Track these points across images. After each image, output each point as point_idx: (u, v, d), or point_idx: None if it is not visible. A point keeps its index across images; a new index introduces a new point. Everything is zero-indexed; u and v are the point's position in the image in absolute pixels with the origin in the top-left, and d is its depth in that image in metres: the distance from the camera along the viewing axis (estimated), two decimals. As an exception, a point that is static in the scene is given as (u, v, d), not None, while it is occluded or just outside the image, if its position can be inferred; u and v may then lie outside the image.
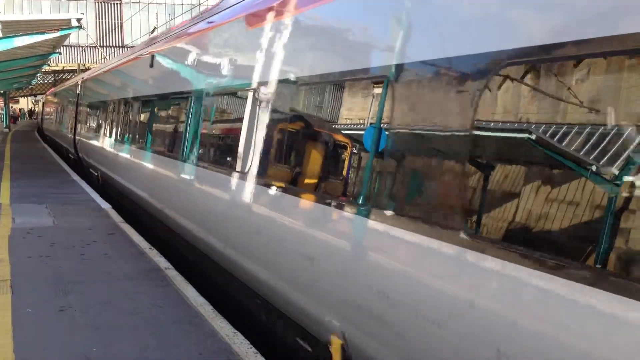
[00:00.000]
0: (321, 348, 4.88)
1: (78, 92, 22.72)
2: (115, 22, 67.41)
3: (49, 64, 45.91)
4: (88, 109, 19.88)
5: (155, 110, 10.99)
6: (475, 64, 3.39)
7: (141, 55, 12.85)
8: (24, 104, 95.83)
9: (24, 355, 5.42)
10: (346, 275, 4.38)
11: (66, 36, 23.96)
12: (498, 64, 3.25)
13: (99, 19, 68.17)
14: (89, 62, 57.41)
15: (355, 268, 4.28)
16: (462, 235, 3.35)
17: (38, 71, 45.48)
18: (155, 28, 32.11)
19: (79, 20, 21.85)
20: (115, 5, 69.30)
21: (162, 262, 8.79)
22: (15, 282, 7.61)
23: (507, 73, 3.23)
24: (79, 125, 21.63)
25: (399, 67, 4.02)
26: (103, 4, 68.84)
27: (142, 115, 12.00)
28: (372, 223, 4.14)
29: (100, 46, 56.03)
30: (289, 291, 5.43)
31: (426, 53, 3.80)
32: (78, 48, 61.90)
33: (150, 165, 10.80)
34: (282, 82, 5.80)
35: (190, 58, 8.95)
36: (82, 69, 45.46)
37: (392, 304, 3.83)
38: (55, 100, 35.52)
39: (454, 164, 3.53)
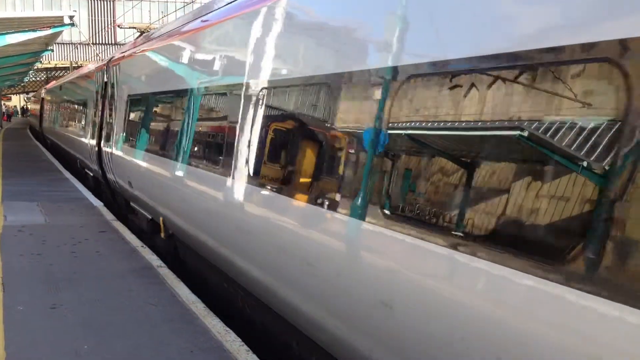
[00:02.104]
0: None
1: (105, 79, 15.15)
2: (108, 20, 67.22)
3: (41, 62, 45.75)
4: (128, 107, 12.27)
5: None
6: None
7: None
8: (16, 101, 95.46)
9: (15, 353, 5.40)
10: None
11: (58, 34, 23.89)
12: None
13: (92, 16, 67.97)
14: (82, 59, 57.23)
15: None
16: None
17: (30, 69, 45.35)
18: (148, 26, 32.00)
19: (71, 17, 21.77)
20: (108, 3, 69.12)
21: (154, 260, 8.78)
22: (6, 279, 7.59)
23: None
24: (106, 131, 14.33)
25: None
26: (96, 1, 68.65)
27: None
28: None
29: (92, 44, 55.81)
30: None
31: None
32: (71, 45, 61.71)
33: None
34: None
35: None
36: (74, 67, 45.31)
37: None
38: (52, 100, 29.82)
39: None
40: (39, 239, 9.85)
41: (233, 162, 6.34)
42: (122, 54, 13.84)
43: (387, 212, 3.92)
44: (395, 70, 4.00)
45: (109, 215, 12.25)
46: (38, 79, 61.98)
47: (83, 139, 17.68)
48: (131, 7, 57.42)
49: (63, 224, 11.20)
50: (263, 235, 5.65)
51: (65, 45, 62.28)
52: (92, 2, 68.43)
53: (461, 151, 3.53)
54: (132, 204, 11.83)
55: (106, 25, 65.37)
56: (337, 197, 4.44)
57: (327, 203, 4.55)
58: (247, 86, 6.26)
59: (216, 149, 7.02)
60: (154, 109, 10.39)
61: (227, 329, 6.11)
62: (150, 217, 10.25)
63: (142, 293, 7.21)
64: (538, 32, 3.03)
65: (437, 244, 3.46)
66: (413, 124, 3.84)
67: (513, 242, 3.02)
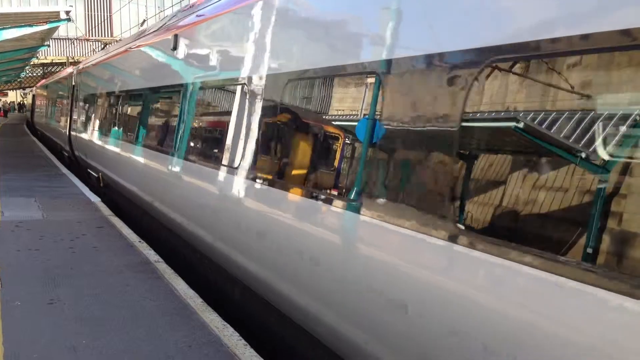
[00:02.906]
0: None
1: (73, 83, 21.01)
2: (104, 15, 67.04)
3: (37, 57, 45.63)
4: (89, 102, 17.40)
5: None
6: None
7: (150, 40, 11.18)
8: (13, 97, 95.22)
9: (13, 348, 5.42)
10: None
11: (55, 29, 23.81)
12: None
13: (88, 11, 67.78)
14: (78, 54, 57.10)
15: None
16: None
17: (27, 64, 45.25)
18: (145, 20, 31.91)
19: (67, 12, 21.70)
20: (105, -2, 68.93)
21: (151, 255, 8.79)
22: (4, 275, 7.59)
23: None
24: (76, 121, 19.62)
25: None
26: (92, -4, 68.44)
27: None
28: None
29: (89, 39, 55.70)
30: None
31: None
32: (67, 41, 61.55)
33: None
34: None
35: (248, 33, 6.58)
36: (71, 62, 45.19)
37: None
38: (46, 93, 34.54)
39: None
40: (37, 235, 9.85)
41: (129, 135, 11.84)
42: (84, 65, 20.05)
43: None
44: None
45: (106, 211, 12.25)
46: (35, 74, 61.84)
47: (60, 128, 24.02)
48: (127, 1, 57.28)
49: (60, 219, 11.20)
50: (152, 179, 9.88)
51: (61, 41, 62.12)
52: (89, -3, 68.25)
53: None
54: (88, 170, 17.42)
55: (103, 20, 65.19)
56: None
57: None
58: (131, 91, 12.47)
59: (125, 129, 12.52)
60: (96, 104, 16.15)
61: (225, 323, 6.12)
62: (96, 175, 15.86)
63: (139, 288, 7.23)
64: None
65: None
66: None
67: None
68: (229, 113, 6.81)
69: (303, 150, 5.23)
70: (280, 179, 5.43)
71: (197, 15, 8.73)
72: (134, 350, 5.43)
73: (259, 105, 6.05)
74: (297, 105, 5.46)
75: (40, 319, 6.16)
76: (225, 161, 6.70)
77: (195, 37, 8.40)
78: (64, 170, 19.44)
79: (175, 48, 9.12)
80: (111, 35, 64.85)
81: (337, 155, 4.83)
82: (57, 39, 58.44)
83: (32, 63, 47.89)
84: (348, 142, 4.65)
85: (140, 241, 9.62)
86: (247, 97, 6.31)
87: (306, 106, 5.32)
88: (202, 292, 7.25)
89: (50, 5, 54.34)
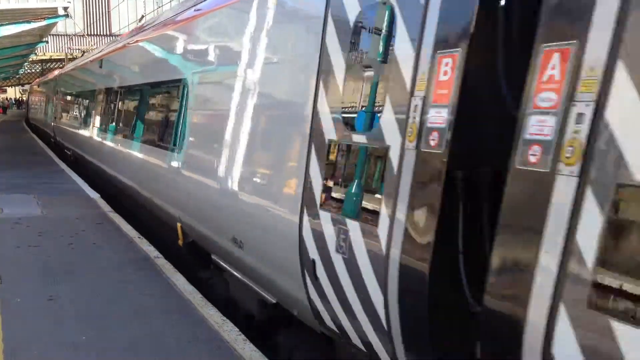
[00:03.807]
0: None
1: (55, 85, 28.72)
2: (102, 10, 66.90)
3: (36, 53, 45.54)
4: (62, 99, 25.40)
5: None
6: None
7: (87, 61, 19.73)
8: (12, 93, 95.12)
9: (13, 344, 5.43)
10: None
11: (53, 25, 23.79)
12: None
13: (86, 7, 67.62)
14: (77, 50, 57.00)
15: None
16: None
17: (25, 60, 45.15)
18: (143, 16, 31.83)
19: (65, 8, 21.68)
20: (103, -6, 68.75)
21: (151, 251, 8.80)
22: (3, 272, 7.60)
23: None
24: (56, 113, 26.78)
25: None
26: (90, -8, 68.27)
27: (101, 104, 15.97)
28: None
29: (87, 35, 55.54)
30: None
31: None
32: (65, 37, 61.43)
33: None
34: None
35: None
36: (69, 58, 45.11)
37: None
38: (37, 91, 42.05)
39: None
40: (36, 231, 9.85)
41: (85, 123, 17.60)
42: (62, 71, 28.42)
43: None
44: None
45: (105, 207, 12.26)
46: (33, 70, 61.71)
47: (48, 120, 30.12)
48: (126, -3, 57.17)
49: (60, 216, 11.20)
50: (94, 149, 15.68)
51: (60, 37, 61.93)
52: (87, -8, 68.07)
53: None
54: (64, 149, 22.86)
55: (101, 16, 65.08)
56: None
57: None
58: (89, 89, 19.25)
59: (82, 119, 18.33)
60: (68, 102, 23.33)
61: (224, 318, 6.13)
62: (69, 153, 21.52)
63: (139, 284, 7.23)
64: None
65: None
66: None
67: None
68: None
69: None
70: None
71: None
72: (134, 346, 5.44)
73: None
74: None
75: (39, 315, 6.16)
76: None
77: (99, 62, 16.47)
78: (63, 166, 19.44)
79: (100, 67, 16.06)
80: (109, 32, 64.73)
81: None
82: (55, 35, 58.29)
83: (30, 59, 47.79)
84: None
85: (139, 237, 9.63)
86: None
87: None
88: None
89: (48, 1, 54.21)
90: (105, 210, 11.89)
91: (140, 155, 10.44)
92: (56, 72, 30.50)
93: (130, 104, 12.24)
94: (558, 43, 2.71)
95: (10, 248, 8.76)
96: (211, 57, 7.36)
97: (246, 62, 6.10)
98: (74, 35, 58.03)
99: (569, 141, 2.59)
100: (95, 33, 63.90)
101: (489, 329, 3.03)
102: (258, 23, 5.89)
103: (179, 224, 8.02)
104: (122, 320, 6.05)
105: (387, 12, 3.88)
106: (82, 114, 18.57)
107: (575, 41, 2.63)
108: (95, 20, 64.86)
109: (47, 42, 35.37)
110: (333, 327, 4.58)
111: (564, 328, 2.59)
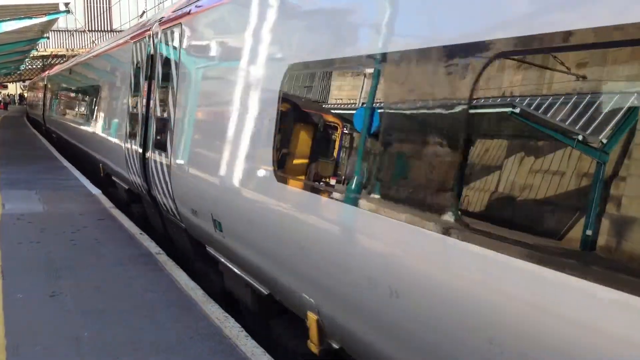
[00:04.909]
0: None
1: (45, 83, 35.18)
2: (103, 6, 66.86)
3: (37, 49, 45.52)
4: (49, 95, 32.11)
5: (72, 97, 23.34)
6: None
7: (63, 67, 27.75)
8: (13, 89, 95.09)
9: (16, 340, 5.44)
10: None
11: (54, 21, 23.76)
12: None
13: (87, 3, 67.57)
14: (78, 46, 56.96)
15: None
16: None
17: (26, 56, 45.12)
18: (144, 12, 31.80)
19: (67, 4, 21.65)
20: (104, -11, 68.67)
21: (152, 247, 8.81)
22: (6, 267, 7.61)
23: None
24: (46, 106, 33.19)
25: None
26: (91, -13, 68.19)
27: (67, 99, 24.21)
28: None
29: (89, 30, 55.50)
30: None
31: None
32: (66, 33, 61.39)
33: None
34: None
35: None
36: (71, 54, 45.09)
37: None
38: (33, 89, 51.41)
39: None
40: (38, 227, 9.87)
41: (65, 114, 23.64)
42: (51, 71, 34.17)
43: None
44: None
45: (107, 203, 12.27)
46: (34, 66, 61.68)
47: (40, 112, 36.35)
48: (127, -7, 57.13)
49: (62, 212, 11.21)
50: (68, 130, 21.84)
51: (61, 33, 61.90)
52: (88, -12, 67.98)
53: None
54: (52, 134, 28.28)
55: (102, 11, 65.00)
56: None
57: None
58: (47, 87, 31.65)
59: (62, 110, 25.09)
60: (54, 97, 29.13)
61: (226, 315, 6.14)
62: (54, 136, 27.15)
63: (141, 280, 7.25)
64: None
65: None
66: None
67: None
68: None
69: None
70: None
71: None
72: (136, 342, 5.45)
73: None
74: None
75: (42, 311, 6.18)
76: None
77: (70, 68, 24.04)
78: (65, 163, 19.46)
79: (70, 72, 23.18)
80: (111, 27, 64.70)
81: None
82: (56, 30, 58.25)
83: (31, 55, 47.78)
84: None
85: (141, 233, 9.64)
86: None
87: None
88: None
89: (50, -3, 54.07)
90: (106, 206, 11.90)
91: (84, 129, 17.34)
92: (45, 74, 39.09)
93: (82, 99, 19.46)
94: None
95: (12, 244, 8.78)
96: (106, 74, 15.26)
97: (102, 81, 15.38)
98: (75, 31, 58.01)
99: None
100: (96, 29, 63.88)
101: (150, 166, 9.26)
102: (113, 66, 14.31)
103: (101, 165, 14.73)
104: (125, 315, 6.07)
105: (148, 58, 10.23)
106: (60, 106, 25.93)
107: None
108: (96, 16, 64.80)
109: (48, 38, 35.34)
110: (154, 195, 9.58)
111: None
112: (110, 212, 11.39)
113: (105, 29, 64.68)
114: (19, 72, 64.24)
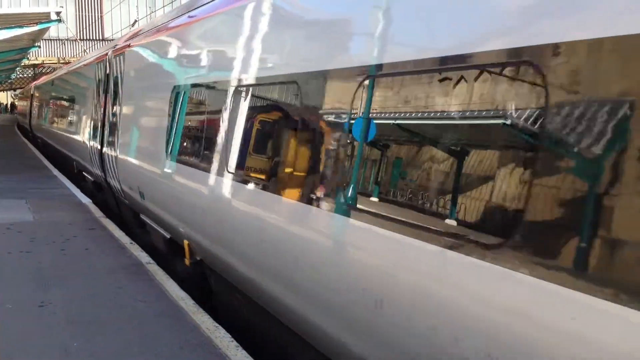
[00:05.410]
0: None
1: (32, 93, 38.36)
2: (95, 15, 66.81)
3: (28, 58, 45.44)
4: (34, 103, 35.38)
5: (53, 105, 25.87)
6: None
7: (51, 77, 29.80)
8: (3, 98, 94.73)
9: (4, 351, 5.41)
10: None
11: (45, 29, 23.77)
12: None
13: (79, 12, 67.52)
14: (69, 55, 56.88)
15: None
16: None
17: (17, 65, 45.05)
18: (135, 21, 31.81)
19: (58, 13, 21.65)
20: (96, -2, 68.64)
21: (143, 256, 8.79)
22: (-5, 277, 7.57)
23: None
24: (32, 113, 36.26)
25: None
26: (83, -4, 68.14)
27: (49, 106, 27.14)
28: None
29: (80, 39, 55.48)
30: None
31: None
32: (58, 41, 61.31)
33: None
34: None
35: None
36: (62, 63, 45.02)
37: None
38: (21, 98, 56.06)
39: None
40: (28, 237, 9.82)
41: (51, 121, 25.37)
42: (37, 82, 38.13)
43: None
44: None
45: (97, 212, 12.24)
46: (25, 75, 61.52)
47: (27, 119, 39.53)
48: (118, 2, 57.14)
49: (52, 221, 11.17)
50: (54, 136, 23.80)
51: (52, 42, 61.82)
52: (79, -3, 67.95)
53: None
54: (37, 139, 30.98)
55: (94, 20, 64.95)
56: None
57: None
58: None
59: (48, 118, 27.03)
60: (40, 105, 31.38)
61: (217, 325, 6.13)
62: (39, 141, 30.30)
63: (131, 289, 7.23)
64: None
65: None
66: None
67: None
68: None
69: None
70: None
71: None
72: (126, 352, 5.43)
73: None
74: None
75: (31, 321, 6.15)
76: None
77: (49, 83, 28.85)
78: (55, 172, 19.40)
79: (52, 84, 26.74)
80: (102, 36, 64.65)
81: None
82: (48, 39, 58.16)
83: (23, 64, 47.70)
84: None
85: (131, 243, 9.62)
86: None
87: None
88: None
89: (41, 6, 54.06)
90: (97, 216, 11.87)
91: (61, 133, 20.50)
92: (32, 85, 42.17)
93: (60, 107, 22.57)
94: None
95: (1, 254, 8.73)
96: (78, 87, 18.28)
97: (75, 93, 18.85)
98: (67, 40, 57.94)
99: None
100: (88, 38, 63.81)
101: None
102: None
103: (74, 163, 17.54)
104: (114, 325, 6.04)
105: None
106: (43, 114, 28.72)
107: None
108: (88, 25, 64.75)
109: (39, 46, 35.32)
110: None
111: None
112: (100, 221, 11.36)
113: (97, 38, 64.64)
114: (10, 80, 64.07)
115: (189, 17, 8.26)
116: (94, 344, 5.59)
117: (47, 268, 8.06)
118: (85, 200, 13.70)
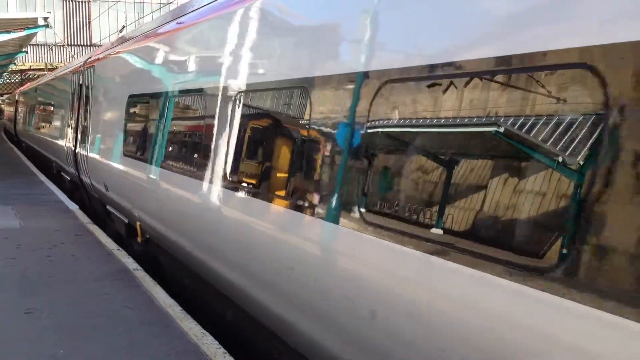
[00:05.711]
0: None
1: (17, 99, 39.85)
2: (83, 21, 66.58)
3: (15, 63, 45.19)
4: (19, 108, 37.02)
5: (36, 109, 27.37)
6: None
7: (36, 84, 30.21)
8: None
9: (-10, 359, 5.37)
10: None
11: (33, 35, 23.64)
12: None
13: (67, 17, 67.27)
14: (57, 60, 56.63)
15: None
16: None
17: (4, 70, 44.79)
18: (124, 27, 31.74)
19: (45, 18, 21.54)
20: (83, 4, 68.46)
21: (130, 263, 8.75)
22: (-20, 284, 7.52)
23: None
24: (17, 118, 37.84)
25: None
26: (70, 2, 67.96)
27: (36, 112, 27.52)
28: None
29: (68, 45, 55.25)
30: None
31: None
32: (45, 47, 61.04)
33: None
34: None
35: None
36: (49, 68, 44.83)
37: None
38: (8, 104, 57.85)
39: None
40: (14, 243, 9.76)
41: (35, 126, 26.38)
42: (22, 89, 39.71)
43: None
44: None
45: (84, 219, 12.18)
46: (12, 80, 61.15)
47: (12, 124, 41.52)
48: (107, 8, 56.99)
49: (38, 227, 11.11)
50: (36, 138, 25.94)
51: (40, 47, 61.52)
52: (67, 3, 67.69)
53: None
54: (22, 143, 32.53)
55: (81, 26, 64.73)
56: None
57: None
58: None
59: (31, 122, 28.42)
60: (24, 111, 33.15)
61: (204, 331, 6.11)
62: (23, 145, 32.24)
63: (118, 296, 7.19)
64: None
65: None
66: None
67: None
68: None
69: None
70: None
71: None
72: (112, 359, 5.41)
73: None
74: None
75: (17, 328, 6.11)
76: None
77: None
78: (42, 177, 19.29)
79: (36, 90, 28.07)
80: (90, 42, 64.43)
81: None
82: (35, 45, 57.88)
83: (10, 69, 47.44)
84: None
85: (118, 249, 9.58)
86: None
87: None
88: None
89: (28, 11, 53.77)
90: (84, 222, 11.81)
91: (42, 137, 22.14)
92: (17, 91, 43.59)
93: (41, 112, 24.29)
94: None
95: (-13, 260, 8.67)
96: (57, 94, 19.80)
97: (54, 99, 20.94)
98: (54, 46, 57.68)
99: None
100: (76, 43, 63.57)
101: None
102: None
103: (54, 164, 19.15)
104: (101, 332, 6.01)
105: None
106: (27, 119, 30.20)
107: None
108: (75, 30, 64.51)
109: (26, 52, 35.15)
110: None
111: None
112: (87, 227, 11.30)
113: (85, 44, 64.40)
114: (-4, 86, 63.67)
115: (145, 36, 9.99)
116: (81, 351, 5.56)
117: (34, 275, 8.00)
118: (73, 206, 13.63)
